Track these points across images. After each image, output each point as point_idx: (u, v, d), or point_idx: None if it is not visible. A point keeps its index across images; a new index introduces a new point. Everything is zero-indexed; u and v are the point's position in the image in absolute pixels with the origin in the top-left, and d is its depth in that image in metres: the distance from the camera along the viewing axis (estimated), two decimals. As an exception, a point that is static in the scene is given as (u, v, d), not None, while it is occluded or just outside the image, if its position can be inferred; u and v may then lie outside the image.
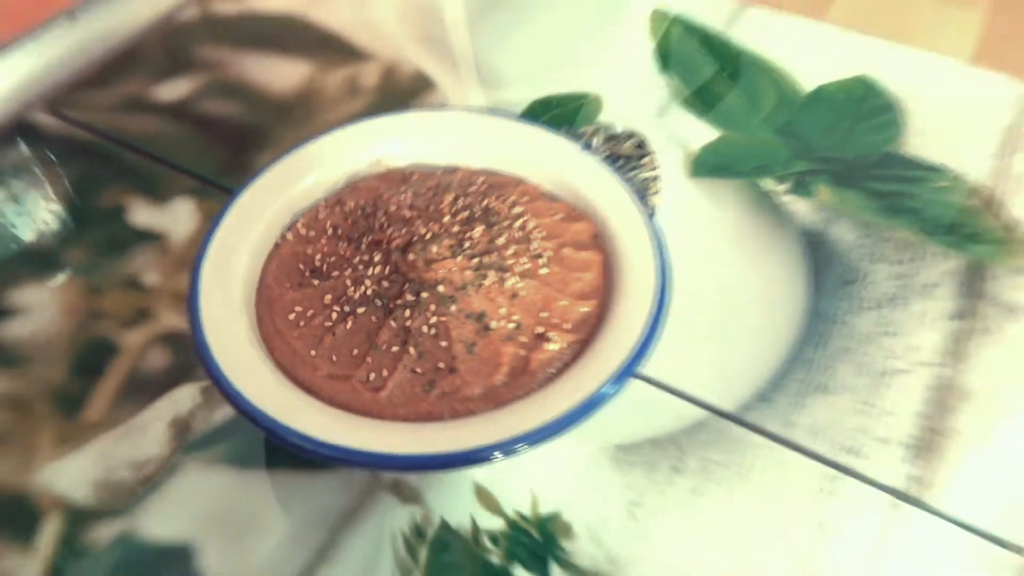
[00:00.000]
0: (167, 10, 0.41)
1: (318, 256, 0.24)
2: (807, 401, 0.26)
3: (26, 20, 0.38)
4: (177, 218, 0.31)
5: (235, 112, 0.36)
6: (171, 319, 0.28)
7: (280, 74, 0.38)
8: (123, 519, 0.23)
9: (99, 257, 0.30)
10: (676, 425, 0.26)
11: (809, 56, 0.39)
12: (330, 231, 0.25)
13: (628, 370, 0.21)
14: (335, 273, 0.23)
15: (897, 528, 0.23)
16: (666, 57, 0.39)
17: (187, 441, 0.25)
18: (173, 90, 0.37)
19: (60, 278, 0.29)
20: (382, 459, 0.19)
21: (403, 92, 0.37)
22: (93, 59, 0.38)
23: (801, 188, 0.33)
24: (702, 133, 0.35)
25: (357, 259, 0.24)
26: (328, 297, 0.23)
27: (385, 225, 0.24)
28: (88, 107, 0.36)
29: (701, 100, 0.37)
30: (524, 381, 0.22)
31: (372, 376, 0.22)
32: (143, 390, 0.26)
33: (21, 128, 0.35)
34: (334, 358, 0.22)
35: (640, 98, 0.37)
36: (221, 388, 0.21)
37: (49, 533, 0.23)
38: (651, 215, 0.30)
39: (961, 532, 0.23)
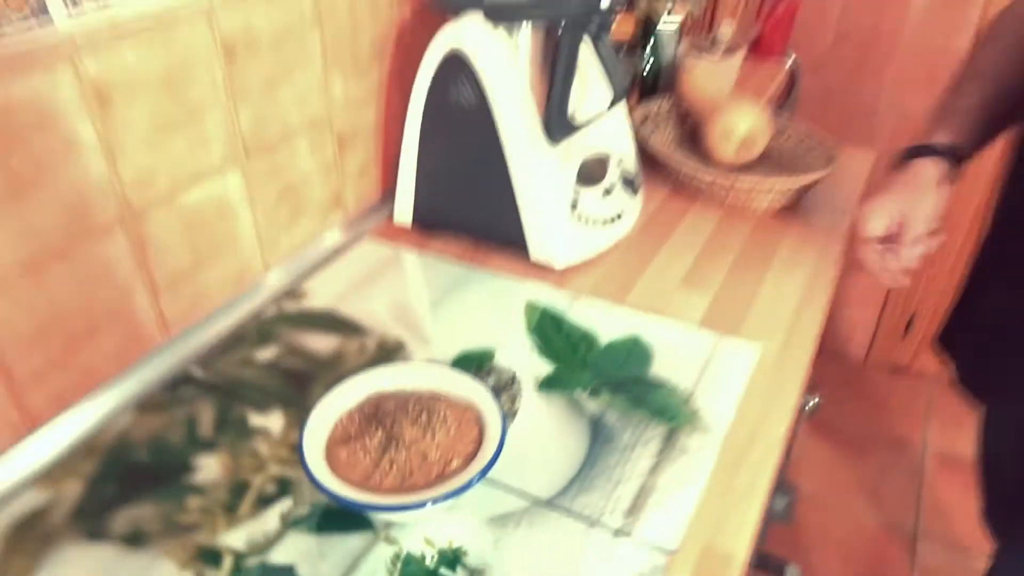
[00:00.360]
0: (258, 310, 0.74)
1: (352, 431, 0.54)
2: (582, 494, 0.55)
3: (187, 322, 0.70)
4: (273, 421, 0.61)
5: (299, 364, 0.68)
6: (276, 470, 0.57)
7: (322, 343, 0.70)
8: (260, 556, 0.51)
9: (236, 440, 0.60)
10: (517, 507, 0.54)
11: (609, 323, 0.73)
12: (357, 421, 0.55)
13: (481, 476, 0.51)
14: (360, 437, 0.53)
15: (615, 546, 0.52)
16: (532, 328, 0.72)
17: (288, 522, 0.53)
18: (265, 353, 0.69)
19: (218, 451, 0.59)
20: (382, 507, 0.48)
21: (389, 350, 0.69)
22: (223, 337, 0.70)
23: (594, 394, 0.64)
24: (546, 367, 0.67)
25: (369, 430, 0.54)
26: (357, 447, 0.53)
27: (382, 415, 0.55)
28: (222, 363, 0.67)
29: (548, 350, 0.69)
30: (441, 479, 0.51)
31: (378, 479, 0.51)
32: (265, 501, 0.54)
33: (186, 377, 0.66)
34: (361, 473, 0.51)
35: (517, 350, 0.69)
36: (316, 486, 0.50)
37: (227, 563, 0.50)
38: (513, 412, 0.61)
39: (647, 547, 0.52)
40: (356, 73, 0.84)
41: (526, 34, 0.76)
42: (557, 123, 0.78)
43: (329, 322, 0.73)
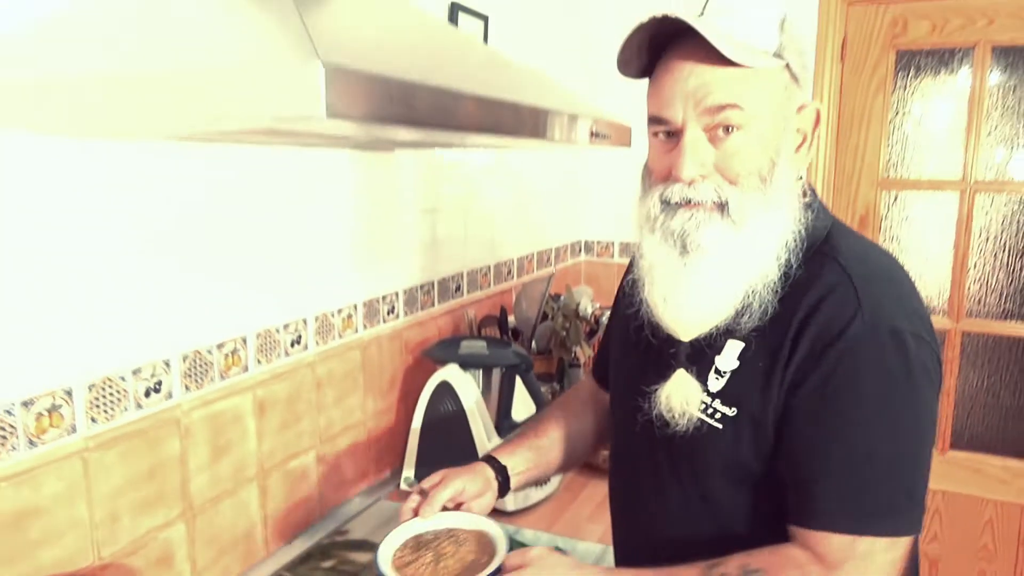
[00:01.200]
0: (319, 539, 1.17)
1: (407, 558, 0.96)
2: (523, 622, 0.97)
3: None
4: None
5: (349, 568, 1.09)
6: (344, 617, 0.97)
7: (362, 557, 1.12)
8: (342, 655, 0.90)
9: (316, 607, 1.00)
10: (487, 629, 0.95)
11: (540, 540, 1.17)
12: (407, 550, 0.97)
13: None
14: (415, 561, 0.95)
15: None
16: (492, 544, 1.17)
17: (355, 641, 0.92)
18: (327, 563, 1.11)
19: (307, 612, 0.99)
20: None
21: (404, 559, 1.12)
22: (300, 554, 1.12)
23: (530, 576, 1.07)
24: (501, 564, 1.11)
25: (422, 554, 0.96)
26: (418, 566, 0.94)
27: (425, 544, 0.97)
28: (301, 569, 1.09)
29: (502, 555, 1.13)
30: (475, 570, 0.93)
31: (414, 602, 0.93)
32: (340, 632, 0.94)
33: (279, 577, 1.07)
34: (407, 596, 0.93)
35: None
36: (377, 607, 0.91)
37: (323, 659, 0.89)
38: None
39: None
40: (380, 395, 1.38)
41: (482, 374, 1.34)
42: (503, 423, 1.32)
43: (365, 546, 1.16)
